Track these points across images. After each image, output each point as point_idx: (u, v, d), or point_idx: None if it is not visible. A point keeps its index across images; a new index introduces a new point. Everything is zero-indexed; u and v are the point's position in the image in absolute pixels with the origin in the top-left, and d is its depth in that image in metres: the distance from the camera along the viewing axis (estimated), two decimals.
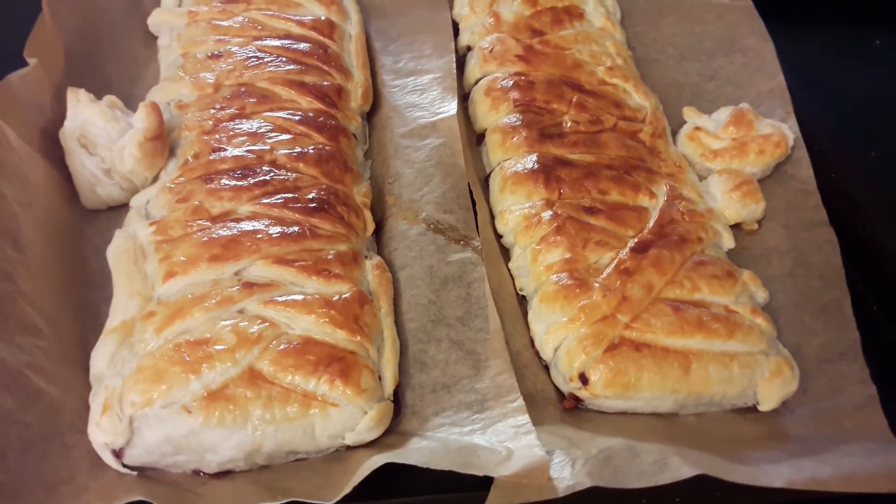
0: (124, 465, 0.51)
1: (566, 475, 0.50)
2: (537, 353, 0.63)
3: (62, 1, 0.75)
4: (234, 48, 0.77)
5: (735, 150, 0.77)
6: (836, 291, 0.69)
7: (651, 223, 0.67)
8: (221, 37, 0.78)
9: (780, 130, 0.78)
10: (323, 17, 0.83)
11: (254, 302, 0.56)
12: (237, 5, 0.81)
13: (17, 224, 0.58)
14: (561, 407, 0.60)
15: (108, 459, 0.51)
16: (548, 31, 0.86)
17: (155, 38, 0.84)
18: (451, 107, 0.75)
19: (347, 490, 0.48)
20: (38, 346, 0.54)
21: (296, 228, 0.61)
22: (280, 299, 0.56)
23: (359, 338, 0.56)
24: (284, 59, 0.76)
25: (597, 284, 0.62)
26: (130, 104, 0.75)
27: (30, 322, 0.54)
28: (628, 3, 0.98)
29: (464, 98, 0.84)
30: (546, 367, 0.62)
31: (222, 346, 0.53)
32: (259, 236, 0.60)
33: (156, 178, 0.67)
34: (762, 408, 0.60)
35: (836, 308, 0.68)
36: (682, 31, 0.94)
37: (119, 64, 0.79)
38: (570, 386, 0.59)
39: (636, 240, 0.65)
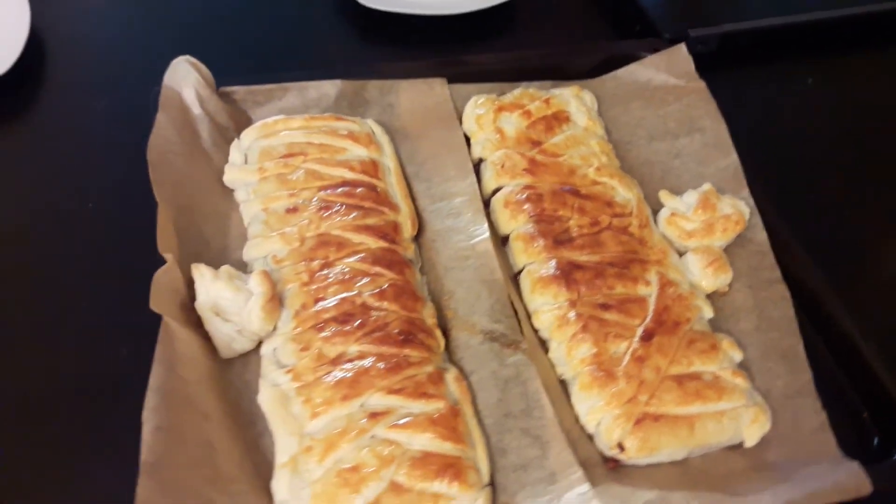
0: None
1: None
2: (582, 427, 0.85)
3: (164, 182, 0.92)
4: (305, 201, 0.96)
5: (704, 230, 0.99)
6: (792, 339, 0.92)
7: (651, 311, 0.90)
8: (291, 190, 0.97)
9: (737, 209, 1.00)
10: (366, 157, 1.02)
11: (380, 428, 0.78)
12: (296, 158, 1.00)
13: (198, 396, 0.78)
14: (606, 467, 0.82)
15: None
16: (543, 139, 1.07)
17: (227, 189, 1.01)
18: (483, 229, 0.96)
19: None
20: (241, 489, 0.74)
21: (394, 361, 0.82)
22: (400, 423, 0.78)
23: (460, 445, 0.78)
24: (346, 205, 0.95)
25: (619, 371, 0.84)
26: (226, 255, 0.95)
27: (229, 470, 0.75)
28: (600, 90, 1.18)
29: (485, 203, 1.03)
30: (589, 436, 0.85)
31: (370, 469, 0.74)
32: (371, 373, 0.81)
33: (274, 328, 0.87)
34: (746, 445, 0.84)
35: (793, 353, 0.91)
36: (648, 113, 1.15)
37: (210, 222, 0.97)
38: (612, 452, 0.82)
39: (642, 329, 0.88)
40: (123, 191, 1.03)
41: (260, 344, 0.87)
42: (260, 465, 0.78)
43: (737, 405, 0.84)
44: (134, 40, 1.24)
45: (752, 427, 0.83)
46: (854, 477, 0.78)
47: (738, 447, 0.85)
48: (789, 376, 0.90)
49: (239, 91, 1.08)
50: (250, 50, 1.26)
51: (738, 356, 0.89)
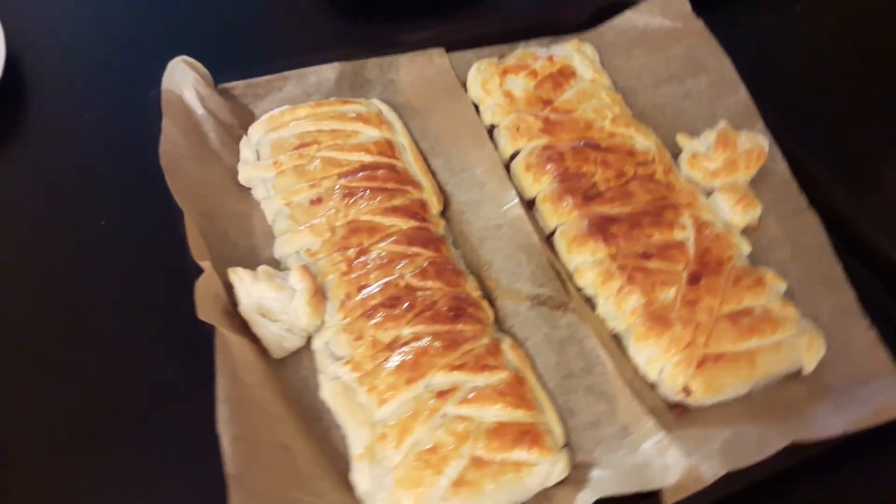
0: None
1: (706, 468, 0.74)
2: (643, 378, 0.86)
3: (182, 189, 0.89)
4: (327, 191, 0.94)
5: (728, 168, 0.99)
6: (829, 262, 0.93)
7: (692, 254, 0.90)
8: (311, 181, 0.95)
9: (757, 143, 1.00)
10: (380, 137, 1.00)
11: (450, 405, 0.77)
12: (310, 147, 0.98)
13: (265, 399, 0.76)
14: (673, 414, 0.83)
15: None
16: (553, 97, 1.06)
17: (243, 188, 0.99)
18: (512, 195, 0.95)
19: None
20: (323, 486, 0.73)
21: (450, 337, 0.82)
22: (468, 397, 0.77)
23: (531, 411, 0.78)
24: (370, 189, 0.94)
25: (673, 317, 0.85)
26: (256, 255, 0.93)
27: (308, 469, 0.74)
28: (598, 41, 1.17)
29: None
30: (651, 385, 0.85)
31: (449, 447, 0.74)
32: (430, 352, 0.80)
33: (322, 321, 0.85)
34: (805, 372, 0.85)
35: (833, 276, 0.92)
36: (651, 59, 1.15)
37: (233, 223, 0.94)
38: (677, 398, 0.82)
39: (687, 273, 0.88)
40: (131, 202, 1.00)
41: (310, 339, 0.85)
42: (334, 460, 0.78)
43: (791, 334, 0.85)
44: (114, 47, 1.20)
45: (808, 354, 0.84)
46: None
47: (796, 375, 0.86)
48: (833, 299, 0.91)
49: (238, 86, 1.05)
50: (236, 44, 1.22)
51: (782, 287, 0.90)
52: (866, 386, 0.83)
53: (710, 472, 0.73)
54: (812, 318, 0.89)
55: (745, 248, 0.93)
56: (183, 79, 0.99)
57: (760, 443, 0.75)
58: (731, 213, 0.96)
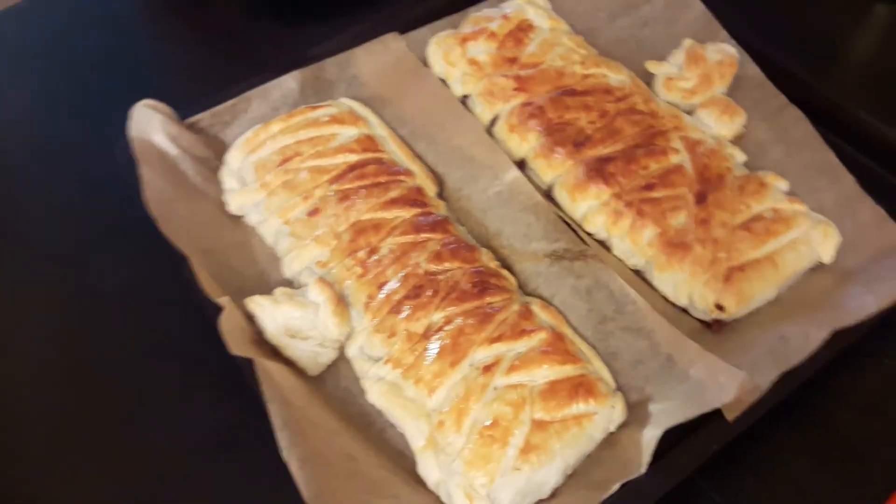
0: None
1: (759, 376, 0.75)
2: (673, 304, 0.86)
3: (178, 233, 0.88)
4: (321, 199, 0.93)
5: (703, 83, 1.00)
6: (822, 152, 0.94)
7: (692, 174, 0.90)
8: (304, 193, 0.94)
9: (726, 53, 1.01)
10: (358, 134, 0.99)
11: (499, 377, 0.78)
12: (293, 160, 0.97)
13: (318, 417, 0.76)
14: (711, 333, 0.84)
15: None
16: (518, 54, 1.05)
17: (235, 217, 0.98)
18: (504, 160, 0.95)
19: (648, 458, 0.71)
20: (397, 489, 0.74)
21: (482, 312, 0.82)
22: (515, 364, 0.78)
23: (578, 364, 0.78)
24: (363, 188, 0.93)
25: (690, 240, 0.85)
26: (266, 280, 0.92)
27: (378, 475, 0.74)
28: None
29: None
30: (683, 310, 0.86)
31: (507, 418, 0.74)
32: (466, 331, 0.80)
33: (350, 328, 0.85)
34: (826, 262, 0.86)
35: (828, 164, 0.93)
36: None
37: (234, 255, 0.93)
38: (712, 316, 0.83)
39: (693, 194, 0.89)
40: (131, 260, 0.99)
41: (342, 349, 0.85)
42: (398, 459, 0.78)
43: (804, 228, 0.86)
44: (64, 112, 1.17)
45: (825, 243, 0.85)
46: None
47: (818, 268, 0.87)
48: (834, 186, 0.92)
49: (204, 117, 1.03)
50: (186, 81, 1.20)
51: (784, 185, 0.91)
52: (886, 260, 0.84)
53: (764, 379, 0.74)
54: (818, 209, 0.90)
55: (740, 156, 0.94)
56: (149, 123, 0.97)
57: (803, 339, 0.76)
58: (718, 125, 0.97)
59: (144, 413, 0.86)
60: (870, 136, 0.95)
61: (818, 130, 0.96)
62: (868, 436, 0.79)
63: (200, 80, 1.17)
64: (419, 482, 0.76)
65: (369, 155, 0.97)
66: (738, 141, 0.98)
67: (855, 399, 0.81)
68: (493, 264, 0.88)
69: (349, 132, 1.00)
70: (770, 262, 0.83)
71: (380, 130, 1.02)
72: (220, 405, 0.85)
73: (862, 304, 0.79)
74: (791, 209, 0.87)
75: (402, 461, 0.78)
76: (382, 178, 0.94)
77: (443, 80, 1.07)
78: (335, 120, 1.00)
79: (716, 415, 0.74)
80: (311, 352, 0.83)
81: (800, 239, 0.85)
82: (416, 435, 0.77)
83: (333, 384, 0.84)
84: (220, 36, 1.27)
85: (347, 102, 1.05)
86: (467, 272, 0.86)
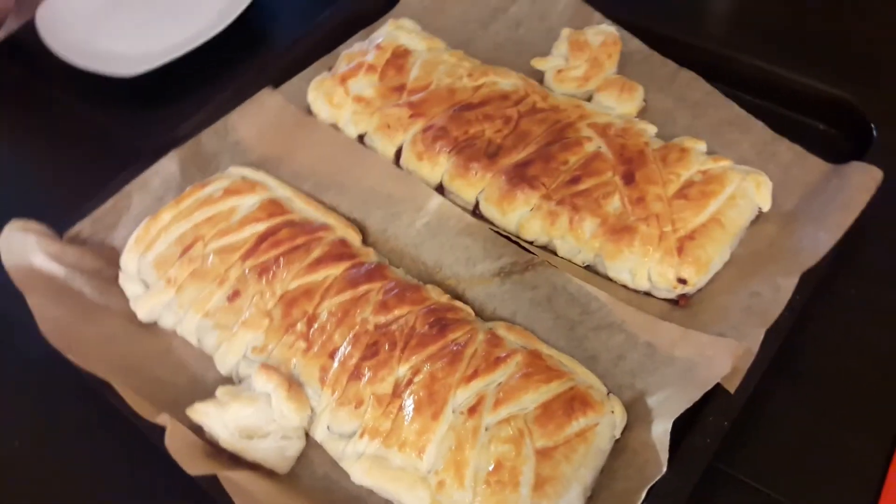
0: None
1: (745, 339, 0.72)
2: (635, 291, 0.83)
3: (91, 359, 0.77)
4: (238, 280, 0.85)
5: (594, 68, 0.98)
6: (726, 105, 0.95)
7: (612, 158, 0.88)
8: (217, 279, 0.85)
9: (607, 33, 1.00)
10: (260, 201, 0.91)
11: (487, 416, 0.71)
12: (195, 247, 0.88)
13: None
14: (680, 308, 0.81)
15: None
16: (403, 81, 1.01)
17: (148, 326, 0.87)
18: (423, 188, 0.89)
19: (665, 458, 0.66)
20: None
21: (448, 352, 0.76)
22: (500, 397, 0.72)
23: (564, 378, 0.73)
24: (282, 255, 0.85)
25: (632, 222, 0.83)
26: (201, 384, 0.82)
27: None
28: (409, 12, 1.13)
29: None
30: (647, 294, 0.83)
31: (510, 457, 0.68)
32: (438, 376, 0.74)
33: (311, 410, 0.77)
34: (766, 210, 0.85)
35: (736, 116, 0.94)
36: (464, 5, 1.12)
37: (159, 365, 0.83)
38: (676, 292, 0.81)
39: (619, 176, 0.86)
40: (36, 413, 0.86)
41: (308, 436, 0.77)
42: None
43: (737, 182, 0.85)
44: None
45: (760, 192, 0.85)
46: (863, 171, 0.83)
47: (759, 219, 0.86)
48: (748, 136, 0.93)
49: (84, 226, 0.93)
50: (49, 193, 1.08)
51: (703, 146, 0.90)
52: (822, 193, 0.85)
53: (752, 340, 0.72)
54: (739, 160, 0.90)
55: (651, 129, 0.93)
56: (24, 247, 0.86)
57: (775, 291, 0.75)
58: (619, 105, 0.95)
59: None
60: (763, 79, 0.96)
61: (714, 86, 0.97)
62: (862, 370, 0.78)
63: (69, 189, 1.05)
64: None
65: (278, 219, 0.89)
66: (642, 115, 0.97)
67: (837, 338, 0.80)
68: (444, 298, 0.82)
69: (249, 201, 0.92)
70: (716, 224, 0.82)
71: (282, 191, 0.94)
72: None
73: (817, 242, 0.78)
74: (718, 167, 0.86)
75: None
76: (300, 240, 0.87)
77: (333, 126, 1.01)
78: (230, 192, 0.92)
79: (715, 391, 0.71)
80: (276, 448, 0.74)
81: (736, 193, 0.84)
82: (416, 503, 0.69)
83: (309, 476, 0.75)
84: (78, 137, 1.15)
85: (238, 171, 0.96)
86: (420, 314, 0.79)
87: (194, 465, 0.67)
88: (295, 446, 0.75)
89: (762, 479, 0.73)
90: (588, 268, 0.86)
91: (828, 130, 0.94)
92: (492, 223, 0.89)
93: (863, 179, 0.82)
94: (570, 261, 0.86)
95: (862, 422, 0.75)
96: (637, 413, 0.73)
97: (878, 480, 0.72)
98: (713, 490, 0.72)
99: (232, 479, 0.67)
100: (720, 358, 0.70)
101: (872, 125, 0.88)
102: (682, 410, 0.68)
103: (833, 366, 0.78)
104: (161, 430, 0.70)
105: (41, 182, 1.09)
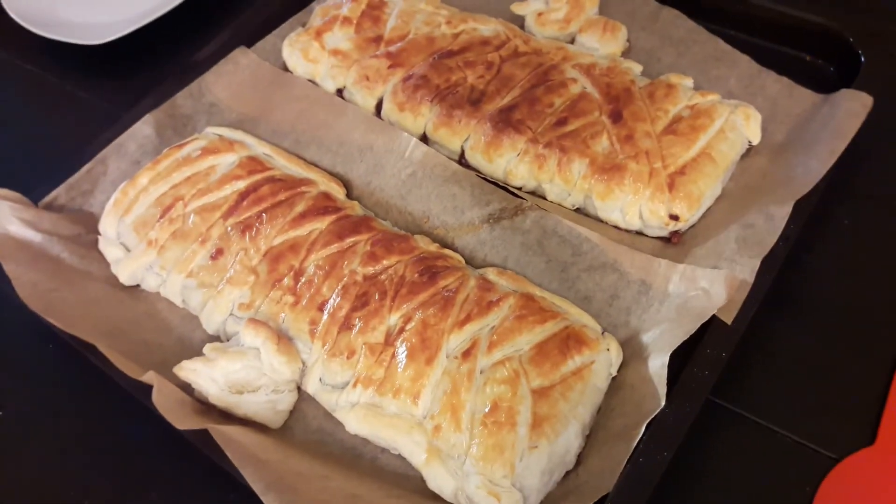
0: None
1: (740, 270, 0.71)
2: (626, 231, 0.82)
3: (73, 322, 0.75)
4: (221, 238, 0.82)
5: (575, 8, 0.96)
6: (711, 41, 0.93)
7: (598, 97, 0.86)
8: (199, 238, 0.83)
9: None
10: (239, 159, 0.89)
11: (481, 359, 0.70)
12: (175, 207, 0.85)
13: (301, 466, 0.66)
14: (673, 245, 0.80)
15: None
16: (381, 32, 0.98)
17: (131, 289, 0.85)
18: (405, 139, 0.87)
19: (664, 391, 0.65)
20: None
21: (440, 298, 0.74)
22: (494, 339, 0.70)
23: (558, 318, 0.72)
24: (265, 211, 0.83)
25: (621, 160, 0.81)
26: (189, 344, 0.81)
27: (416, 499, 0.65)
28: None
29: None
30: (638, 233, 0.82)
31: (506, 398, 0.67)
32: (430, 322, 0.72)
33: (302, 363, 0.75)
34: (755, 143, 0.84)
35: (721, 51, 0.92)
36: None
37: (144, 328, 0.81)
38: (668, 228, 0.79)
39: (606, 116, 0.84)
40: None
41: (300, 390, 0.75)
42: (402, 483, 0.69)
43: (725, 115, 0.83)
44: None
45: (749, 125, 0.83)
46: (852, 98, 0.81)
47: (749, 152, 0.85)
48: (734, 70, 0.91)
49: (59, 193, 0.90)
50: (18, 163, 1.05)
51: (689, 82, 0.88)
52: (812, 123, 0.83)
53: (747, 270, 0.71)
54: (727, 95, 0.89)
55: (636, 67, 0.91)
56: None
57: (769, 220, 0.73)
58: (603, 45, 0.94)
59: None
60: (747, 12, 0.95)
61: (697, 23, 0.95)
62: (859, 299, 0.77)
63: (43, 160, 1.02)
64: (435, 498, 0.67)
65: (258, 176, 0.87)
66: (626, 55, 0.95)
67: (833, 267, 0.79)
68: (433, 247, 0.81)
69: (228, 159, 0.89)
70: (706, 158, 0.80)
71: (261, 149, 0.92)
72: None
73: (809, 170, 0.77)
74: (706, 101, 0.84)
75: (407, 484, 0.69)
76: (282, 196, 0.85)
77: (310, 81, 0.98)
78: (208, 151, 0.90)
79: (712, 324, 0.69)
80: (267, 402, 0.73)
81: (725, 126, 0.82)
82: (414, 450, 0.68)
83: (303, 429, 0.74)
84: (50, 108, 1.12)
85: (215, 131, 0.94)
86: (409, 263, 0.78)
87: (183, 420, 0.65)
88: (286, 400, 0.74)
89: (762, 413, 0.72)
90: (578, 211, 0.84)
91: (814, 61, 0.93)
92: (479, 172, 0.87)
93: (853, 106, 0.80)
94: (559, 205, 0.84)
95: (860, 350, 0.74)
96: (633, 350, 0.72)
97: (877, 408, 0.71)
98: (713, 426, 0.71)
99: (223, 431, 0.65)
100: (716, 290, 0.69)
101: (860, 52, 0.86)
102: (679, 343, 0.67)
103: (829, 296, 0.77)
104: (149, 389, 0.68)
105: (12, 153, 1.06)
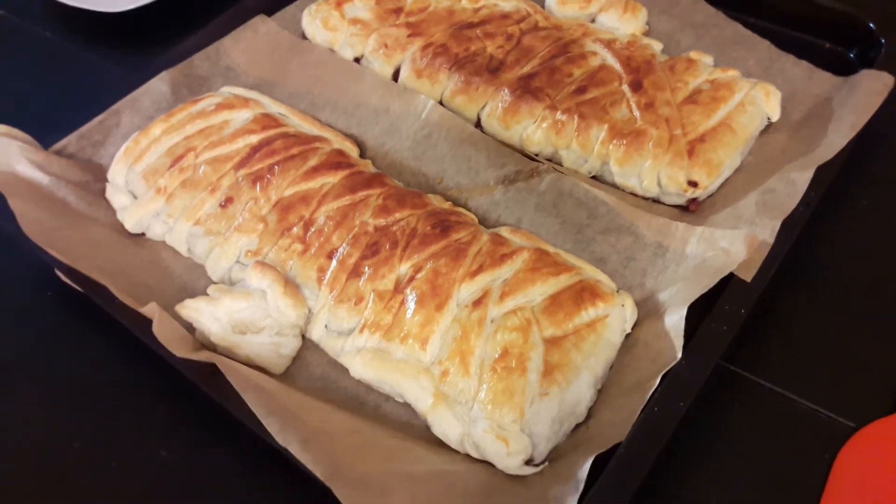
0: (542, 462, 0.63)
1: (760, 230, 0.70)
2: (643, 198, 0.81)
3: (76, 256, 0.73)
4: (231, 188, 0.81)
5: None
6: (730, 24, 0.94)
7: (619, 68, 0.86)
8: (209, 187, 0.82)
9: None
10: (253, 115, 0.88)
11: (492, 308, 0.68)
12: (187, 157, 0.84)
13: (305, 400, 0.64)
14: (690, 212, 0.79)
15: (525, 469, 0.62)
16: (401, 4, 0.98)
17: (136, 236, 0.84)
18: (422, 100, 0.86)
19: (681, 343, 0.63)
20: (418, 453, 0.62)
21: (452, 249, 0.72)
22: (506, 290, 0.69)
23: (573, 272, 0.70)
24: (277, 164, 0.82)
25: (641, 126, 0.80)
26: (190, 292, 0.78)
27: (391, 443, 0.62)
28: None
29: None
30: (655, 200, 0.81)
31: (517, 344, 0.65)
32: (442, 271, 0.70)
33: (307, 309, 0.73)
34: (774, 119, 0.84)
35: (740, 35, 0.92)
36: None
37: (148, 274, 0.79)
38: (686, 196, 0.78)
39: (626, 85, 0.84)
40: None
41: (304, 337, 0.73)
42: (406, 430, 0.67)
43: (746, 90, 0.83)
44: None
45: (769, 101, 0.83)
46: (873, 77, 0.81)
47: (769, 129, 0.84)
48: (753, 53, 0.91)
49: (70, 141, 0.89)
50: (31, 112, 1.04)
51: (709, 59, 0.88)
52: (832, 102, 0.83)
53: (767, 231, 0.69)
54: (745, 76, 0.88)
55: (657, 44, 0.91)
56: (6, 152, 0.82)
57: (790, 185, 0.73)
58: (623, 24, 0.94)
59: None
60: (767, 0, 0.95)
61: (717, 9, 0.95)
62: (878, 272, 0.75)
63: (54, 115, 1.01)
64: (440, 444, 0.64)
65: (272, 132, 0.86)
66: (645, 36, 0.95)
67: (848, 244, 0.78)
68: (447, 205, 0.79)
69: (242, 115, 0.89)
70: (726, 128, 0.79)
71: (276, 108, 0.91)
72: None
73: (831, 142, 0.76)
74: (726, 76, 0.84)
75: (411, 430, 0.66)
76: (295, 150, 0.84)
77: (330, 50, 0.98)
78: (223, 106, 0.89)
79: (731, 282, 0.68)
80: (270, 344, 0.71)
81: (745, 100, 0.82)
82: (420, 395, 0.66)
83: (306, 377, 0.72)
84: (69, 76, 1.12)
85: (231, 90, 0.93)
86: (422, 217, 0.76)
87: (183, 349, 0.63)
88: (290, 345, 0.72)
89: (779, 381, 0.70)
90: (595, 178, 0.83)
91: (834, 48, 0.93)
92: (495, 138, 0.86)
93: (874, 85, 0.80)
94: (576, 171, 0.83)
95: (879, 320, 0.72)
96: (648, 310, 0.71)
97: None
98: (729, 394, 0.69)
99: (226, 362, 0.63)
100: (736, 248, 0.68)
101: (882, 38, 0.86)
102: (696, 296, 0.65)
103: (848, 269, 0.76)
104: (149, 327, 0.66)
105: (28, 111, 1.05)
